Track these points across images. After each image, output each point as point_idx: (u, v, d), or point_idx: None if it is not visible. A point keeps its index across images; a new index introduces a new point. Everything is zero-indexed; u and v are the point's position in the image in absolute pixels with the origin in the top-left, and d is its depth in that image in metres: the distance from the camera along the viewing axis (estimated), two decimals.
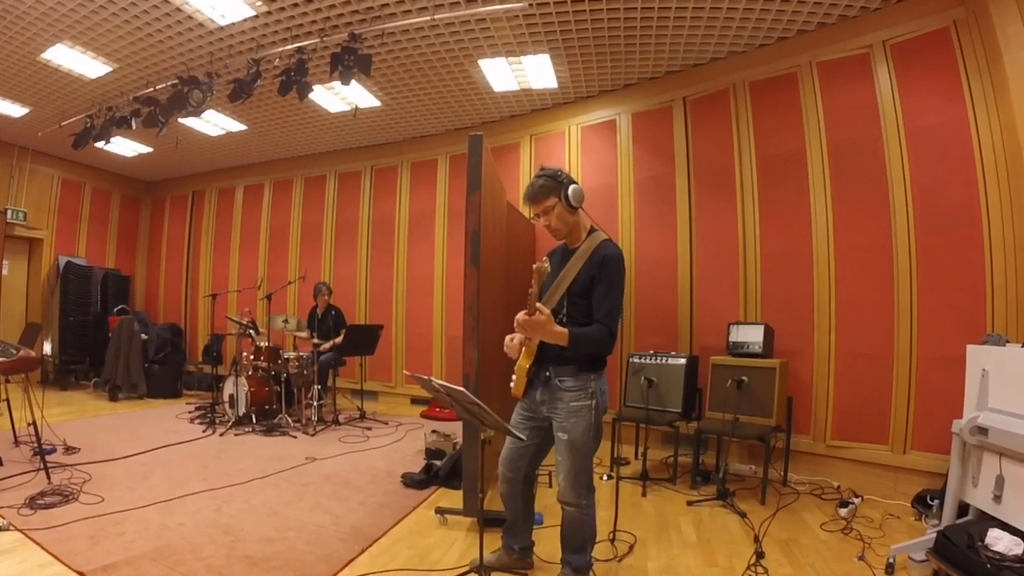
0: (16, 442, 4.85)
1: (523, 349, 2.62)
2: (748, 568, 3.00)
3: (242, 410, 6.18)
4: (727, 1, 4.51)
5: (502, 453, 2.77)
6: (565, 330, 2.39)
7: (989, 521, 2.83)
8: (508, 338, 2.66)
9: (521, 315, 2.37)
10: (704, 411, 4.81)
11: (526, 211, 6.53)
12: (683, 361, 4.85)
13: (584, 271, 2.51)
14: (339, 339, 6.87)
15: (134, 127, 6.23)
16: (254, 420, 6.17)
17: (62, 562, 2.85)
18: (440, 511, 3.71)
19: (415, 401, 7.76)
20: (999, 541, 2.56)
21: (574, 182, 2.55)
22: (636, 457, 5.20)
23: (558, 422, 2.55)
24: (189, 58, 5.59)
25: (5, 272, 8.55)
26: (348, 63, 5.00)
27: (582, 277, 2.51)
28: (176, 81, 5.63)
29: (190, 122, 7.18)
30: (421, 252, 7.85)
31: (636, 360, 5.07)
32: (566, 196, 2.52)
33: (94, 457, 4.73)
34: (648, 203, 5.92)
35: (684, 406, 4.74)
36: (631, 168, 6.04)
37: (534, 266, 2.29)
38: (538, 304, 2.34)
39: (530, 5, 4.62)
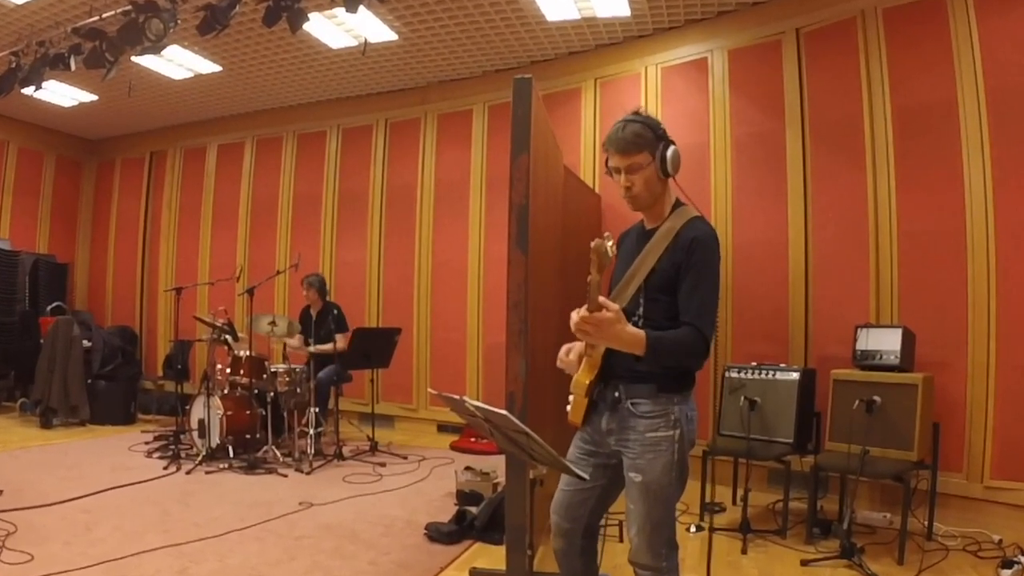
0: None
1: (583, 360, 2.63)
2: None
3: (215, 440, 6.50)
4: None
5: (556, 498, 2.81)
6: (641, 332, 2.40)
7: None
8: (563, 350, 2.72)
9: (578, 314, 2.38)
10: (823, 442, 5.04)
11: (589, 178, 6.98)
12: (795, 376, 5.09)
13: (666, 257, 2.55)
14: (342, 343, 7.20)
15: (73, 68, 6.43)
16: (231, 453, 6.48)
17: None
18: (476, 573, 3.93)
19: (443, 429, 8.20)
20: None
21: (673, 142, 2.60)
22: (734, 502, 5.43)
23: (630, 458, 2.57)
24: None
25: None
26: None
27: (664, 266, 2.55)
28: (129, 7, 5.74)
29: (147, 61, 7.50)
30: (451, 232, 8.30)
31: (734, 375, 5.34)
32: (663, 157, 2.56)
33: (21, 502, 4.94)
34: (750, 168, 6.25)
35: (797, 435, 4.96)
36: (727, 122, 6.39)
37: (592, 243, 2.26)
38: (602, 298, 2.33)
39: None
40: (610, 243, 2.29)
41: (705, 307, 2.50)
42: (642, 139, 2.55)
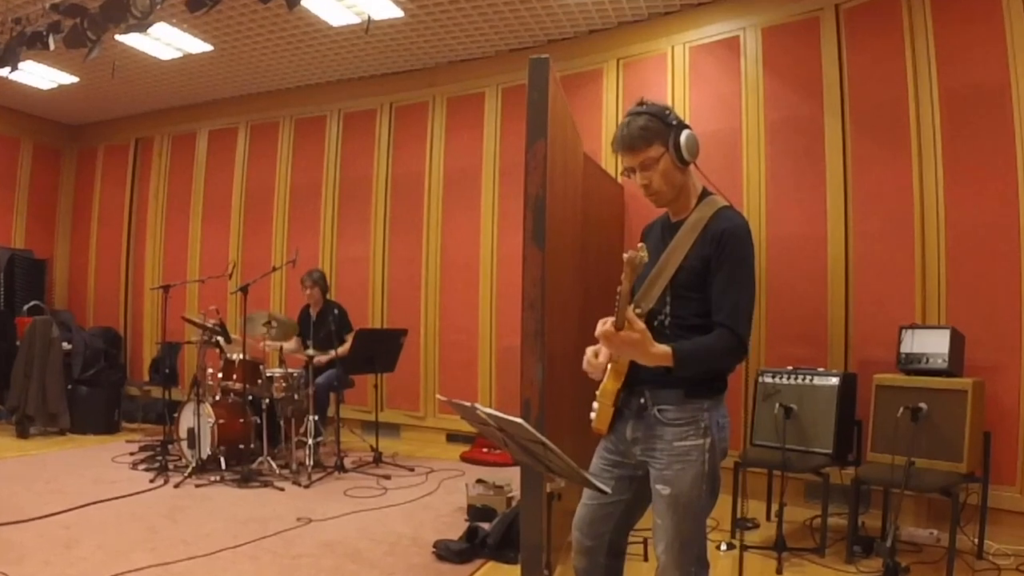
0: None
1: (608, 366, 2.68)
2: None
3: (206, 451, 6.56)
4: None
5: (578, 512, 2.85)
6: (667, 349, 2.43)
7: None
8: (591, 351, 2.74)
9: (605, 325, 2.43)
10: (865, 452, 5.10)
11: (611, 166, 7.06)
12: (835, 381, 5.13)
13: (695, 252, 2.59)
14: (344, 348, 7.27)
15: (52, 47, 6.50)
16: (223, 465, 6.56)
17: None
18: None
19: (452, 438, 8.32)
20: None
21: (687, 126, 2.63)
22: (768, 518, 5.56)
23: (657, 470, 2.62)
24: None
25: None
26: None
27: (692, 262, 2.59)
28: None
29: (132, 40, 7.55)
30: (461, 225, 8.41)
31: (768, 380, 5.40)
32: (676, 145, 2.58)
33: None
34: (785, 156, 6.32)
35: (836, 445, 5.00)
36: (760, 106, 6.46)
37: (626, 256, 2.29)
38: (629, 315, 2.38)
39: None
40: (643, 253, 2.30)
41: (740, 305, 2.54)
42: (649, 131, 2.59)
